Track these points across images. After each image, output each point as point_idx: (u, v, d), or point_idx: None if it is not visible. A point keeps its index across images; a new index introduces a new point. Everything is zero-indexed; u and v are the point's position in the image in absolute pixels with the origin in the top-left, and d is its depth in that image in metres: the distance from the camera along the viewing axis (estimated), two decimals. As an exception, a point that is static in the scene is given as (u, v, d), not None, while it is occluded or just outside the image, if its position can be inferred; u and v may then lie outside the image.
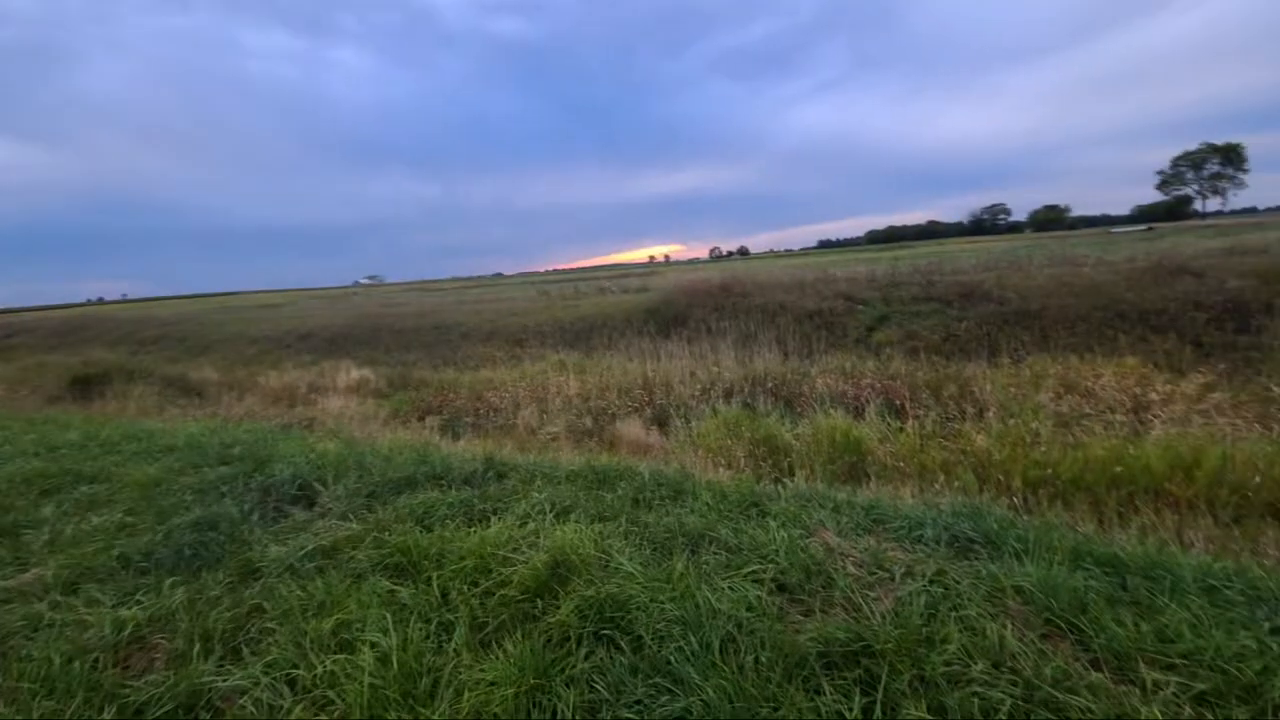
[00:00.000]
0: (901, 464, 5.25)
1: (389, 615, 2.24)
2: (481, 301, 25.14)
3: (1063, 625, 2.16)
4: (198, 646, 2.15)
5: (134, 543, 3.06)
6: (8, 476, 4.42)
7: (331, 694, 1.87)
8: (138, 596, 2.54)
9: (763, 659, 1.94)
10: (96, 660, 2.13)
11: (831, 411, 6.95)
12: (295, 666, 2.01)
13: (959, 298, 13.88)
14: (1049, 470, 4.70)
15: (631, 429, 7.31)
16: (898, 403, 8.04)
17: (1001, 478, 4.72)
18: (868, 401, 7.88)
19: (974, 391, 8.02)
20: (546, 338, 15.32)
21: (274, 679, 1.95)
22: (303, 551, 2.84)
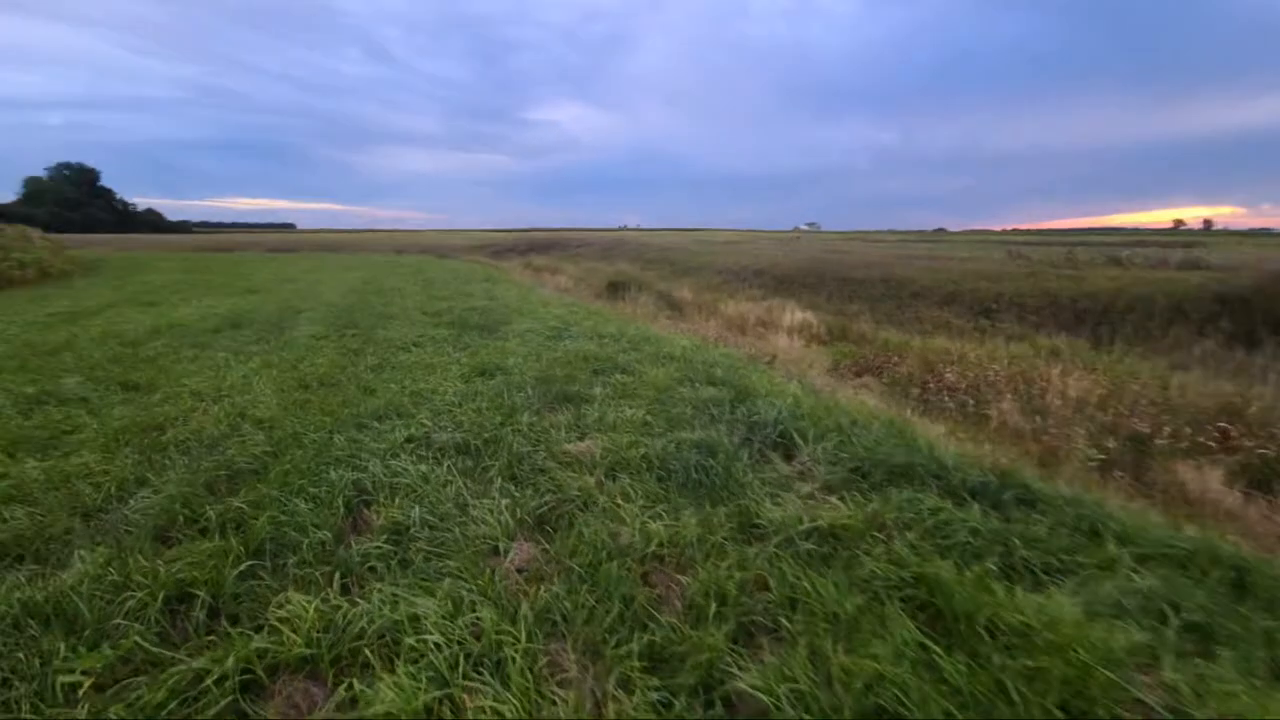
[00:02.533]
0: None
1: (937, 697, 1.53)
2: (934, 259, 22.14)
3: None
4: (714, 606, 1.94)
5: (652, 445, 3.32)
6: (576, 352, 5.82)
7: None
8: (658, 509, 2.63)
9: None
10: (628, 568, 2.18)
11: None
12: (816, 694, 1.53)
13: None
14: None
15: (1204, 481, 4.69)
16: None
17: None
18: None
19: None
20: (1028, 313, 12.06)
21: (794, 705, 1.51)
22: (801, 527, 2.45)
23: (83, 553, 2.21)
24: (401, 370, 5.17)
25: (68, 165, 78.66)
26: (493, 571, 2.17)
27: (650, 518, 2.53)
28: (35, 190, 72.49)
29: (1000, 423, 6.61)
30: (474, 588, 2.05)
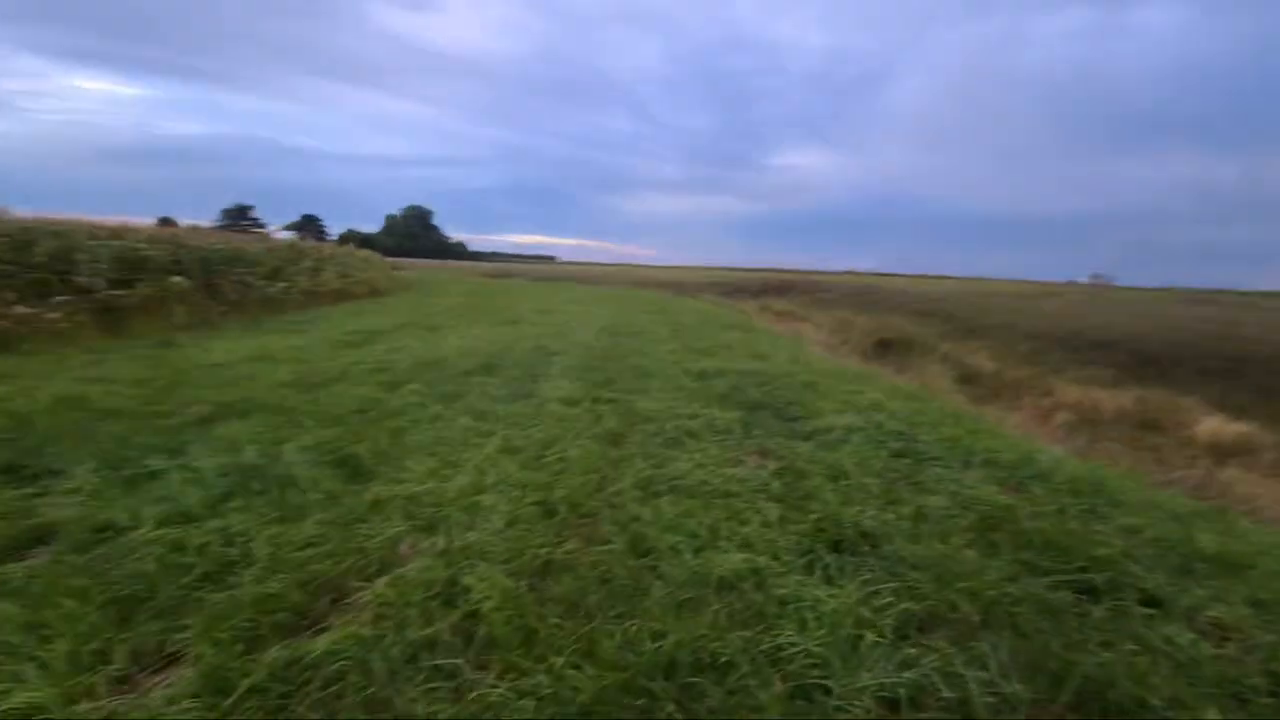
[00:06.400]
0: None
1: None
2: None
3: None
4: None
5: None
6: (979, 509, 3.18)
7: None
8: None
9: None
10: None
11: None
12: None
13: None
14: None
15: None
16: None
17: None
18: None
19: None
20: None
21: None
22: None
23: None
24: (685, 497, 3.19)
25: (413, 206, 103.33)
26: None
27: None
28: (390, 225, 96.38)
29: None
30: None
